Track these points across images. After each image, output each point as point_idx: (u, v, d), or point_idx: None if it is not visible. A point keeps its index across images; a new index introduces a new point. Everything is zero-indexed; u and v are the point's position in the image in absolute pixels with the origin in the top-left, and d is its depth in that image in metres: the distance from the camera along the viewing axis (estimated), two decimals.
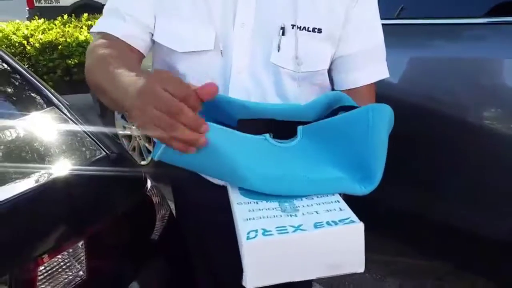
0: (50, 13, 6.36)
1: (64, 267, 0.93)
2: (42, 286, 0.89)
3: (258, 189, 0.61)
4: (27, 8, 7.76)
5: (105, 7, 0.83)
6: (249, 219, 0.54)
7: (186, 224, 1.07)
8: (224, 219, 0.64)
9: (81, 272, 0.95)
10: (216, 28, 0.79)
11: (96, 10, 6.50)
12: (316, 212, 0.56)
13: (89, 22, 5.13)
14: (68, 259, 0.94)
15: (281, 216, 0.55)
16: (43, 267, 0.89)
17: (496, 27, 1.46)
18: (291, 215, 0.55)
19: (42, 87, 1.54)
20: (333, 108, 0.71)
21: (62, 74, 4.29)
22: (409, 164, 1.50)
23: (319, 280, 1.94)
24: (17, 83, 1.61)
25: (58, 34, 4.43)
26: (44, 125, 1.34)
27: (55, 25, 4.88)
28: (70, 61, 4.25)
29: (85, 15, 5.39)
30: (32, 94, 1.54)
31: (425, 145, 1.48)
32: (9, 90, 1.61)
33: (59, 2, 7.96)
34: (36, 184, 1.01)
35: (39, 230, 0.95)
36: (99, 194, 1.11)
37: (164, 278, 1.23)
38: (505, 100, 1.39)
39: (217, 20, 0.79)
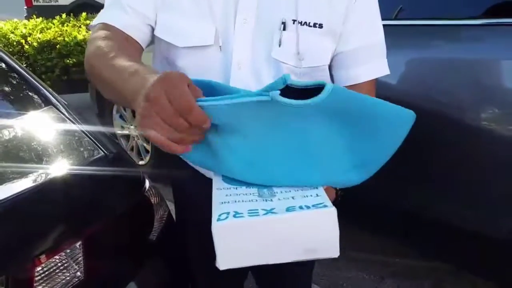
0: (48, 12, 6.33)
1: (61, 267, 0.92)
2: (40, 286, 0.89)
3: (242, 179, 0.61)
4: (25, 7, 7.74)
5: (106, 0, 0.83)
6: (224, 202, 0.55)
7: (187, 223, 1.07)
8: None
9: (78, 273, 0.95)
10: (216, 23, 0.79)
11: (95, 9, 6.50)
12: (292, 197, 0.56)
13: (88, 22, 5.12)
14: (66, 260, 0.93)
15: (256, 200, 0.55)
16: (40, 268, 0.89)
17: (493, 28, 1.47)
18: (266, 200, 0.55)
19: (40, 86, 1.53)
20: None
21: (60, 73, 4.28)
22: (408, 164, 1.50)
23: (318, 281, 1.94)
24: (15, 82, 1.60)
25: (56, 33, 4.42)
26: (42, 125, 1.34)
27: (53, 24, 4.87)
28: (68, 61, 4.25)
29: (84, 14, 5.38)
30: (30, 93, 1.54)
31: (424, 146, 1.48)
32: (6, 89, 1.60)
33: (57, 1, 7.95)
34: (34, 184, 1.00)
35: (37, 230, 0.94)
36: (97, 194, 1.11)
37: (162, 278, 1.22)
38: (503, 100, 1.39)
39: (218, 15, 0.79)
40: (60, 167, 1.10)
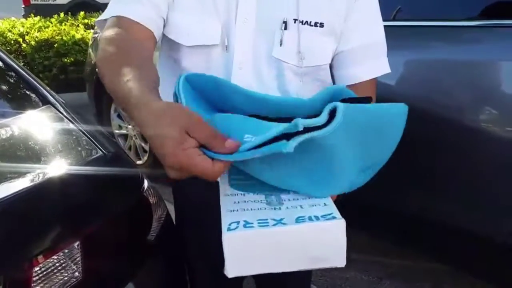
0: (46, 11, 6.33)
1: (59, 267, 0.92)
2: (37, 287, 0.88)
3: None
4: (23, 6, 7.73)
5: None
6: (233, 210, 0.55)
7: (186, 223, 1.06)
8: None
9: (77, 273, 0.94)
10: (221, 22, 0.79)
11: (93, 8, 6.50)
12: (301, 206, 0.56)
13: (86, 21, 5.11)
14: (64, 260, 0.93)
15: (265, 209, 0.56)
16: (38, 268, 0.88)
17: (491, 29, 1.47)
18: (275, 208, 0.56)
19: (38, 85, 1.53)
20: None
21: (57, 72, 4.27)
22: (407, 165, 1.50)
23: (316, 282, 1.94)
24: (12, 81, 1.59)
25: (54, 32, 4.41)
26: (39, 124, 1.33)
27: (51, 23, 4.86)
28: (66, 59, 4.23)
29: (82, 13, 5.37)
30: (28, 92, 1.53)
31: (422, 147, 1.48)
32: (4, 88, 1.60)
33: (55, 0, 7.94)
34: (31, 184, 1.00)
35: (34, 230, 0.94)
36: (96, 194, 1.10)
37: (161, 278, 1.22)
38: (502, 101, 1.39)
39: (222, 14, 0.79)
40: (58, 167, 1.09)
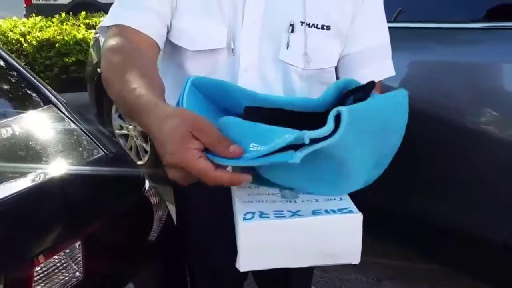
0: (47, 11, 6.33)
1: (60, 267, 0.92)
2: (38, 286, 0.88)
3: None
4: (25, 5, 7.73)
5: None
6: (248, 201, 0.54)
7: (187, 224, 1.06)
8: (227, 220, 0.64)
9: (78, 273, 0.94)
10: (227, 26, 0.79)
11: (94, 8, 6.51)
12: (316, 200, 0.55)
13: (87, 21, 5.11)
14: (65, 260, 0.93)
15: (280, 201, 0.55)
16: (39, 268, 0.88)
17: (492, 31, 1.47)
18: (290, 201, 0.55)
19: (40, 85, 1.53)
20: (343, 93, 0.69)
21: (59, 72, 4.27)
22: (407, 166, 1.50)
23: (316, 283, 1.94)
24: (14, 81, 1.60)
25: (56, 32, 4.41)
26: (41, 124, 1.33)
27: (53, 22, 4.86)
28: (67, 59, 4.23)
29: (83, 13, 5.37)
30: (29, 92, 1.53)
31: (422, 148, 1.48)
32: (6, 87, 1.60)
33: (56, 0, 7.94)
34: (33, 183, 1.00)
35: (36, 230, 0.94)
36: (97, 194, 1.10)
37: (161, 279, 1.22)
38: (503, 103, 1.39)
39: (228, 17, 0.79)
40: (59, 167, 1.10)
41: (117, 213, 1.10)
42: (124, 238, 1.11)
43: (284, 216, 0.50)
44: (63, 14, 5.29)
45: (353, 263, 0.52)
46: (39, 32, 4.44)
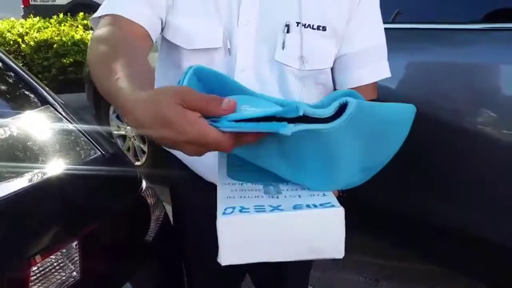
0: (45, 12, 6.33)
1: (57, 267, 0.92)
2: (35, 286, 0.88)
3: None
4: (22, 6, 7.72)
5: None
6: (230, 197, 0.54)
7: (184, 224, 1.06)
8: None
9: (74, 273, 0.94)
10: (223, 25, 0.79)
11: (92, 9, 6.47)
12: (299, 196, 0.55)
13: (85, 21, 5.11)
14: (62, 260, 0.93)
15: (262, 197, 0.55)
16: (36, 267, 0.88)
17: (490, 32, 1.48)
18: (272, 197, 0.55)
19: (37, 86, 1.53)
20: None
21: (56, 73, 4.27)
22: (406, 167, 1.51)
23: (313, 283, 1.94)
24: (11, 81, 1.60)
25: (54, 33, 4.41)
26: (38, 124, 1.33)
27: (51, 23, 4.86)
28: (65, 60, 4.23)
29: (81, 14, 5.37)
30: (27, 93, 1.53)
31: (422, 149, 1.49)
32: (3, 88, 1.60)
33: (54, 1, 7.93)
34: (30, 184, 1.00)
35: (33, 229, 0.94)
36: (94, 194, 1.10)
37: (158, 279, 1.22)
38: (501, 104, 1.40)
39: (224, 17, 0.79)
40: (56, 167, 1.10)
41: (114, 213, 1.11)
42: (121, 238, 1.11)
43: (264, 211, 0.50)
44: (61, 15, 5.29)
45: (336, 257, 0.51)
46: (37, 33, 4.44)
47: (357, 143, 0.55)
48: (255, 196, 0.55)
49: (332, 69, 0.87)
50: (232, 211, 0.50)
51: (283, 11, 0.79)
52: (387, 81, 1.57)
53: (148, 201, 1.20)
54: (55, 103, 1.45)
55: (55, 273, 0.91)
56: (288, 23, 0.79)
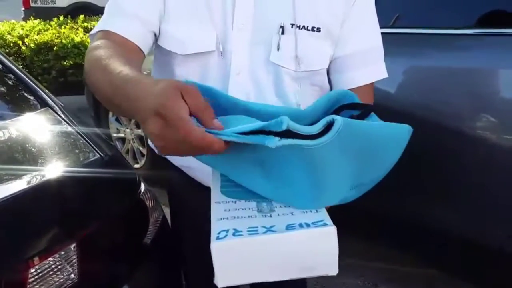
0: (46, 14, 6.33)
1: (55, 269, 0.92)
2: None
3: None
4: (23, 9, 7.73)
5: (106, 5, 0.81)
6: (223, 218, 0.54)
7: (182, 228, 1.06)
8: None
9: (72, 275, 0.94)
10: (216, 29, 0.79)
11: (93, 12, 6.50)
12: (292, 213, 0.55)
13: (85, 24, 5.12)
14: (60, 262, 0.93)
15: (255, 216, 0.54)
16: (34, 270, 0.89)
17: (488, 37, 1.48)
18: (266, 215, 0.54)
19: (37, 88, 1.53)
20: (335, 108, 0.69)
21: (57, 75, 4.26)
22: (403, 171, 1.51)
23: (312, 287, 1.94)
24: (11, 83, 1.60)
25: (54, 35, 4.41)
26: (38, 126, 1.34)
27: (51, 26, 4.86)
28: (65, 63, 4.23)
29: (81, 16, 5.37)
30: (27, 95, 1.53)
31: (419, 152, 1.49)
32: (3, 90, 1.60)
33: (55, 3, 7.94)
34: (29, 186, 1.00)
35: (31, 232, 0.94)
36: (92, 196, 1.11)
37: (156, 282, 1.22)
38: (499, 108, 1.40)
39: (217, 20, 0.79)
40: (55, 169, 1.10)
41: (112, 216, 1.11)
42: (120, 241, 1.11)
43: (257, 233, 0.50)
44: (61, 17, 5.29)
45: (331, 274, 0.51)
46: (37, 35, 4.44)
47: (345, 161, 0.55)
48: (249, 216, 0.55)
49: (328, 70, 0.87)
50: (226, 235, 0.50)
51: (277, 13, 0.80)
52: (386, 86, 1.59)
53: (147, 203, 1.20)
54: (55, 105, 1.45)
55: (53, 275, 0.91)
56: (282, 25, 0.79)
